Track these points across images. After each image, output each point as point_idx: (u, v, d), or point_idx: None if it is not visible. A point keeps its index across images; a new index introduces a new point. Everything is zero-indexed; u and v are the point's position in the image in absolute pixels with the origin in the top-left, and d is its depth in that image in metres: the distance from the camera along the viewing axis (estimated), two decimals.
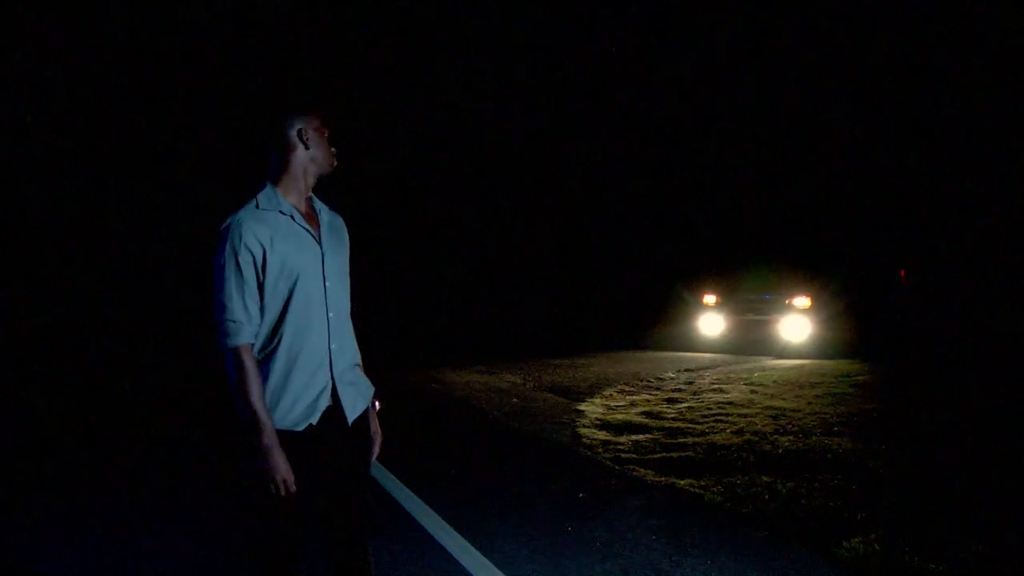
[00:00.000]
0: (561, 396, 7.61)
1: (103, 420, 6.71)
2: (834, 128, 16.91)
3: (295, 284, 1.96)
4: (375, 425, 2.21)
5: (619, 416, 6.49)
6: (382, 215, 18.61)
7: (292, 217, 2.00)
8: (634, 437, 5.71)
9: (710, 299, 11.85)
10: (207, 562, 3.35)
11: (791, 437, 5.42)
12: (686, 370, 9.33)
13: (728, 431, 5.71)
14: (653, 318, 14.00)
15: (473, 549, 3.39)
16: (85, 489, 4.51)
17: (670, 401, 7.17)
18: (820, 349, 10.50)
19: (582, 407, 6.96)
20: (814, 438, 5.37)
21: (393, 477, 4.49)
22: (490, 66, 18.61)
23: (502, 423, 6.31)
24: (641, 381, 8.49)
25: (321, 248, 2.04)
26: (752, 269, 11.70)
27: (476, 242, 19.48)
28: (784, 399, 6.94)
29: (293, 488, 1.91)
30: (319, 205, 2.13)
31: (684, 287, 12.66)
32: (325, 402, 2.01)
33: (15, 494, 4.47)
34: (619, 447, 5.41)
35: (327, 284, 2.03)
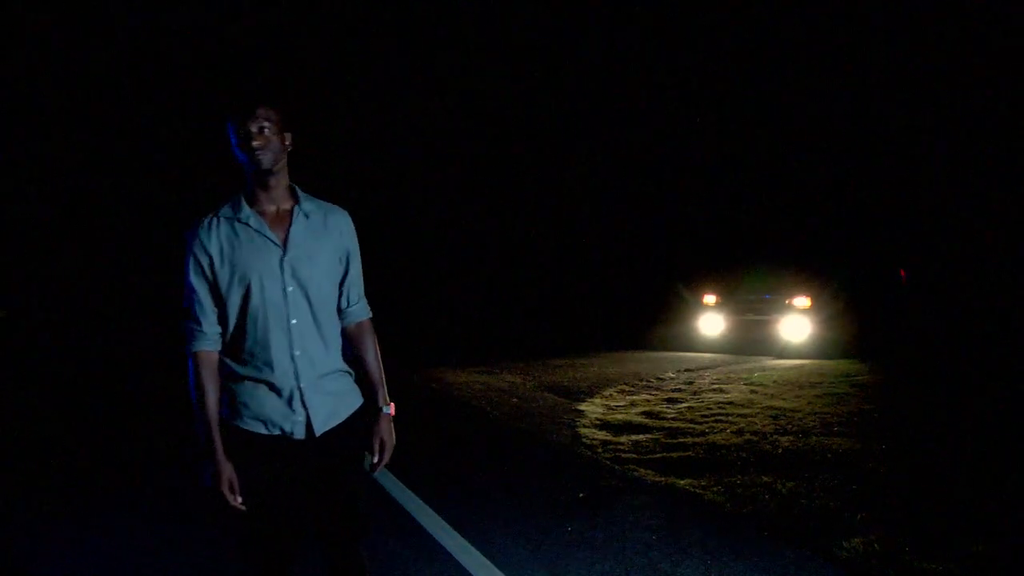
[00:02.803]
0: (561, 396, 7.61)
1: (103, 419, 6.71)
2: (834, 128, 16.91)
3: (248, 291, 1.93)
4: (382, 431, 2.11)
5: (619, 416, 6.49)
6: (382, 214, 18.61)
7: (248, 223, 1.96)
8: (634, 437, 5.71)
9: (710, 299, 11.84)
10: (207, 562, 3.36)
11: (791, 437, 5.42)
12: (686, 370, 9.32)
13: (728, 431, 5.71)
14: (653, 318, 14.00)
15: (473, 549, 3.39)
16: (85, 489, 4.51)
17: (670, 401, 7.17)
18: (820, 349, 10.49)
19: (582, 407, 6.96)
20: (814, 438, 5.37)
21: (393, 477, 4.49)
22: (491, 64, 18.61)
23: (502, 423, 6.31)
24: (641, 381, 8.49)
25: (284, 253, 1.97)
26: (752, 269, 11.70)
27: (476, 242, 19.49)
28: (784, 399, 6.94)
29: (235, 495, 1.91)
30: (305, 206, 2.04)
31: (684, 287, 12.65)
32: (297, 411, 1.97)
33: (15, 494, 4.47)
34: (619, 447, 5.41)
35: (288, 290, 1.96)
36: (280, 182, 2.01)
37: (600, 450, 5.32)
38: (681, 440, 5.53)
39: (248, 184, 2.00)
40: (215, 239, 1.95)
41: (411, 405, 7.08)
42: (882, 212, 15.49)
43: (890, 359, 9.58)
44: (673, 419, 6.29)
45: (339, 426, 2.04)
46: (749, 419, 6.10)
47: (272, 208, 2.01)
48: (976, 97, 15.28)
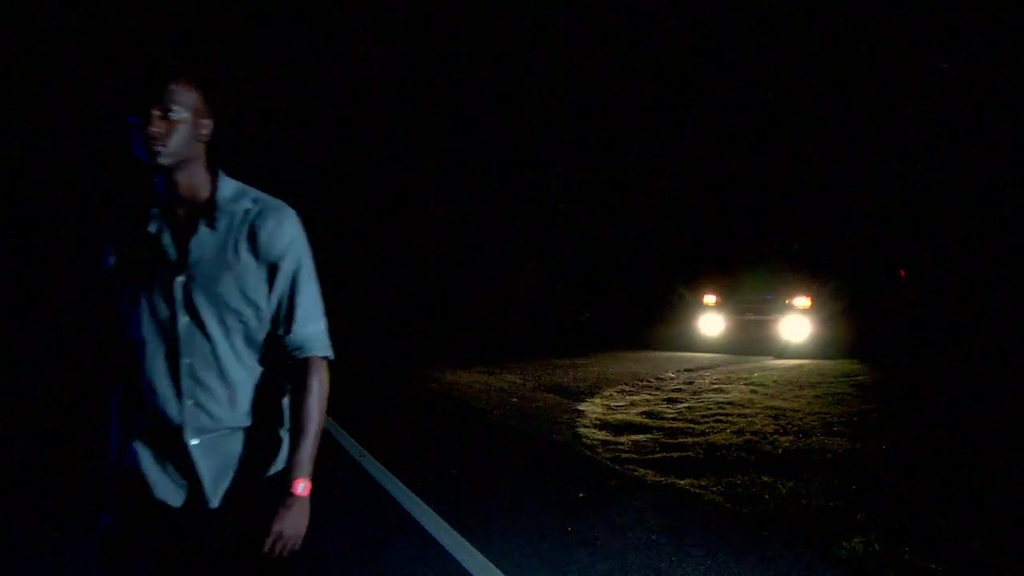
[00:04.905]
0: (561, 396, 7.61)
1: (101, 418, 6.70)
2: (834, 128, 16.92)
3: (138, 316, 1.50)
4: (281, 514, 1.49)
5: (619, 416, 6.49)
6: (383, 215, 18.62)
7: (146, 226, 1.52)
8: (634, 437, 5.71)
9: (710, 299, 11.85)
10: None
11: (791, 437, 5.42)
12: (686, 370, 9.33)
13: (728, 431, 5.71)
14: (653, 318, 14.01)
15: (473, 549, 3.39)
16: (83, 488, 4.51)
17: (670, 401, 7.17)
18: (820, 349, 10.49)
19: (582, 407, 6.96)
20: (814, 438, 5.37)
21: (393, 477, 4.49)
22: (487, 62, 18.61)
23: (502, 423, 6.31)
24: (641, 381, 8.49)
25: (179, 272, 1.48)
26: (752, 269, 11.71)
27: (477, 242, 19.50)
28: (784, 399, 6.94)
29: (110, 534, 1.62)
30: (223, 205, 1.52)
31: (684, 287, 12.66)
32: (178, 475, 1.53)
33: (14, 494, 4.47)
34: (619, 447, 5.41)
35: (181, 322, 1.48)
36: (192, 177, 1.51)
37: (600, 450, 5.32)
38: (681, 440, 5.53)
39: (154, 177, 1.53)
40: (113, 239, 1.55)
41: (411, 405, 7.09)
42: (881, 212, 15.49)
43: (890, 359, 9.58)
44: (673, 419, 6.29)
45: (253, 500, 1.54)
46: (749, 419, 6.10)
47: (182, 210, 1.52)
48: (975, 97, 15.29)
